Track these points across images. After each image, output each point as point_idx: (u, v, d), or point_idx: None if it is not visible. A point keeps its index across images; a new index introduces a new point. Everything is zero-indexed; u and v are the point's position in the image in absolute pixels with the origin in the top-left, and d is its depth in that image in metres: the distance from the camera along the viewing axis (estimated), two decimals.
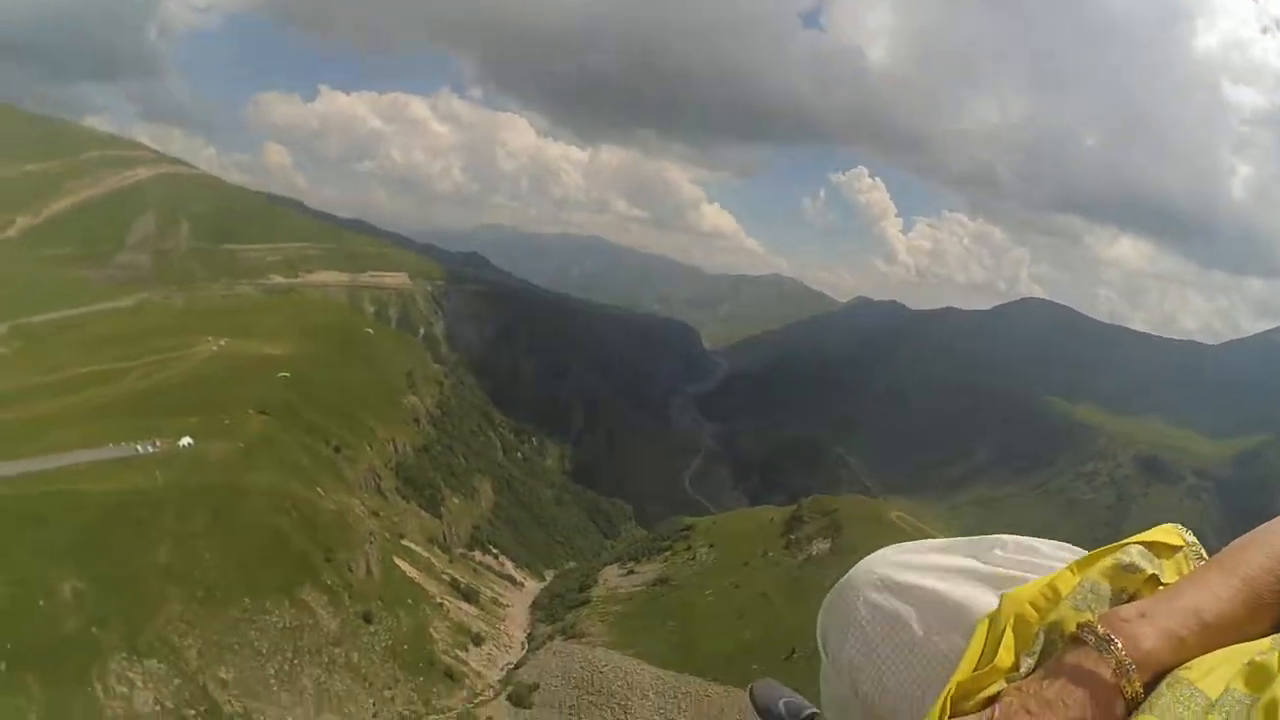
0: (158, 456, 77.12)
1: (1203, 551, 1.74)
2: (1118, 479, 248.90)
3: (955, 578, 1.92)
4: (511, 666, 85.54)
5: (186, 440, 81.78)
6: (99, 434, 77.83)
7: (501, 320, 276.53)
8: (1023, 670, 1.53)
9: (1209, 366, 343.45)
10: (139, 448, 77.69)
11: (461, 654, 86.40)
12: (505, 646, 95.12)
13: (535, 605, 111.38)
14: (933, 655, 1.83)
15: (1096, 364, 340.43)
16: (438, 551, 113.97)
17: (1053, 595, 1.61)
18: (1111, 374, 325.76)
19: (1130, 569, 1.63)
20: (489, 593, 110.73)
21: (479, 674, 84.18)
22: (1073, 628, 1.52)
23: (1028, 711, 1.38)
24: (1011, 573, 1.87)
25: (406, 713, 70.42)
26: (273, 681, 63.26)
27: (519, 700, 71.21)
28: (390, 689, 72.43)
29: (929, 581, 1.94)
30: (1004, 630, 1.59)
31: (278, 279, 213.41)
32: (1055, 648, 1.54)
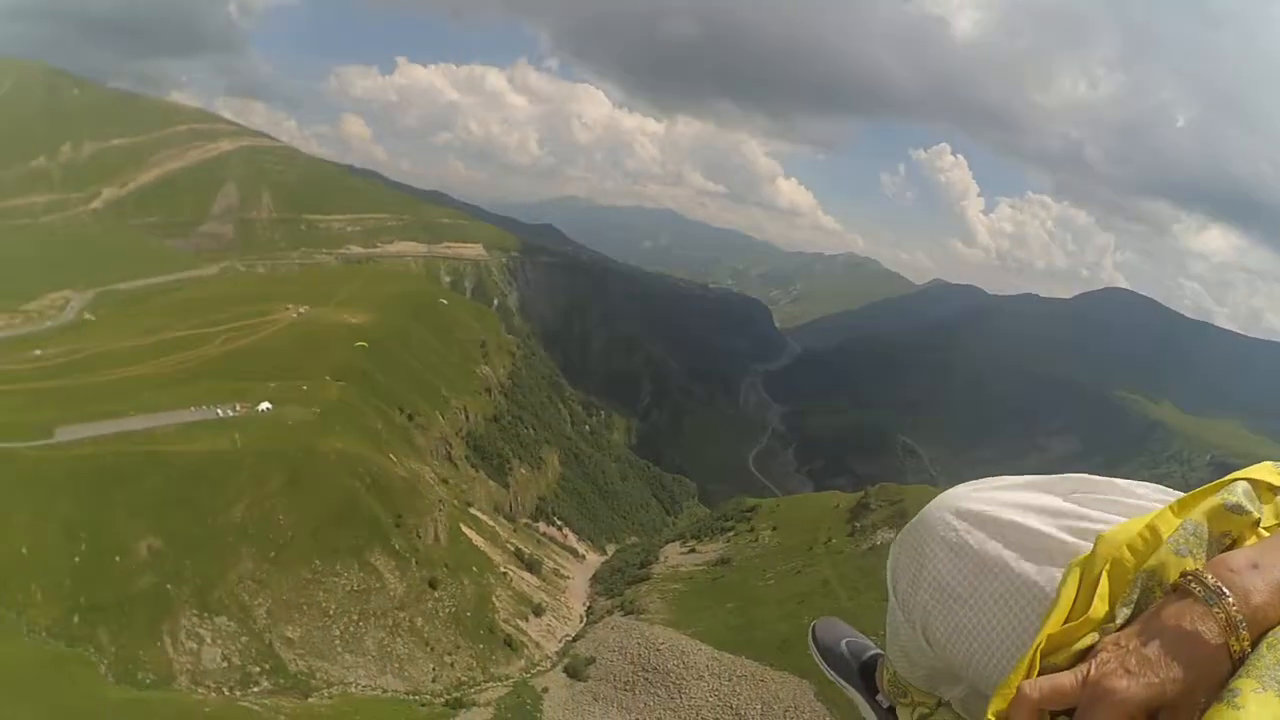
0: (238, 420, 79.87)
1: None
2: (1191, 484, 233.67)
3: (1041, 517, 1.77)
4: (569, 639, 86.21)
5: (265, 405, 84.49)
6: (182, 397, 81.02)
7: (574, 292, 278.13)
8: (1118, 621, 1.42)
9: None
10: (219, 411, 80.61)
11: (522, 624, 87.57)
12: (564, 618, 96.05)
13: (595, 578, 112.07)
14: (1016, 602, 1.68)
15: (1178, 360, 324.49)
16: (503, 521, 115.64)
17: (1152, 538, 1.48)
18: (1192, 372, 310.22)
19: (1236, 510, 1.50)
20: (551, 564, 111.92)
21: (537, 644, 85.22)
22: (1174, 575, 1.40)
23: (1126, 670, 1.28)
24: (1103, 514, 1.74)
25: (465, 679, 71.71)
26: (337, 642, 65.11)
27: (575, 673, 71.59)
28: (451, 655, 73.87)
29: (1014, 519, 1.78)
30: (1099, 576, 1.46)
31: (356, 249, 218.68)
32: (1153, 596, 1.42)
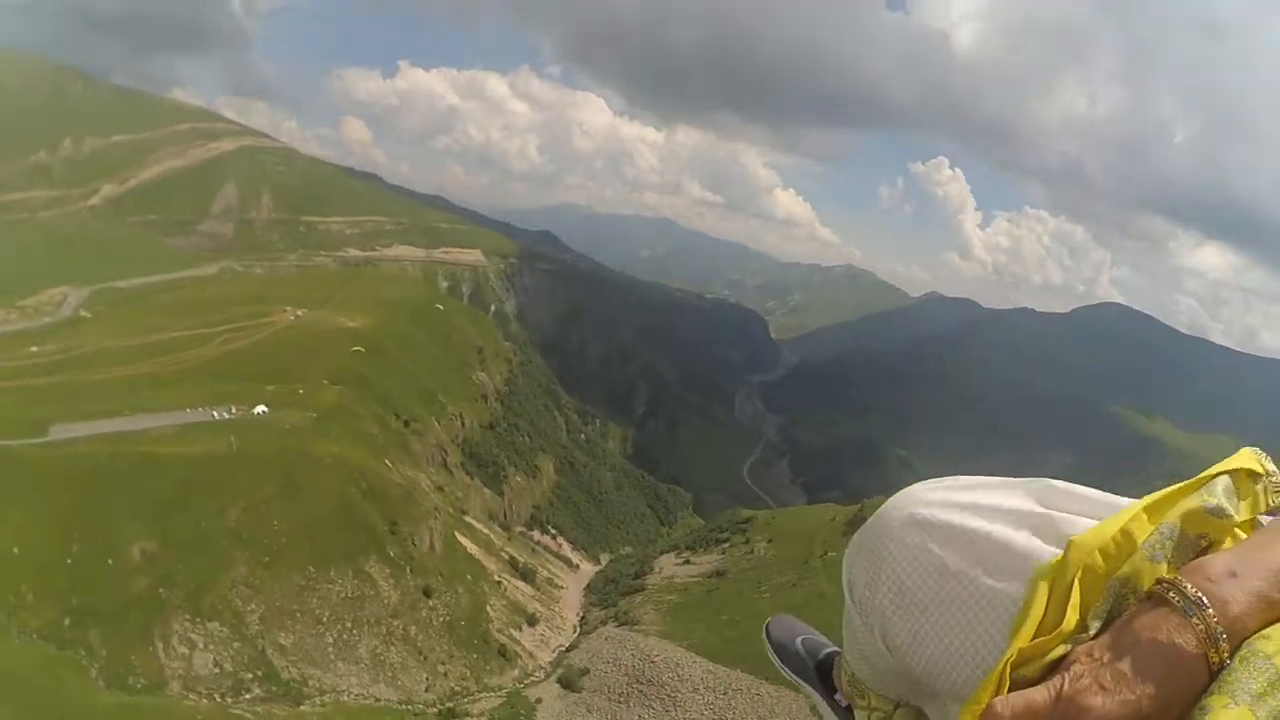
0: (233, 422, 79.29)
1: None
2: None
3: (1007, 519, 1.63)
4: (563, 649, 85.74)
5: (261, 408, 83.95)
6: (179, 398, 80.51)
7: (571, 300, 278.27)
8: (1091, 632, 1.33)
9: None
10: (215, 413, 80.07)
11: (515, 633, 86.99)
12: (558, 628, 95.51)
13: (589, 588, 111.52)
14: (982, 610, 1.54)
15: (1173, 376, 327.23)
16: (498, 529, 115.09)
17: (1126, 543, 1.38)
18: (1188, 387, 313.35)
19: (1217, 513, 1.41)
20: (545, 573, 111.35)
21: (531, 654, 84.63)
22: (1149, 583, 1.32)
23: (1101, 686, 1.20)
24: (1071, 516, 1.59)
25: (458, 689, 71.11)
26: (330, 650, 64.47)
27: (569, 684, 71.00)
28: (444, 664, 73.25)
29: (977, 523, 1.64)
30: (1070, 585, 1.37)
31: (354, 252, 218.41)
32: (1126, 604, 1.33)
